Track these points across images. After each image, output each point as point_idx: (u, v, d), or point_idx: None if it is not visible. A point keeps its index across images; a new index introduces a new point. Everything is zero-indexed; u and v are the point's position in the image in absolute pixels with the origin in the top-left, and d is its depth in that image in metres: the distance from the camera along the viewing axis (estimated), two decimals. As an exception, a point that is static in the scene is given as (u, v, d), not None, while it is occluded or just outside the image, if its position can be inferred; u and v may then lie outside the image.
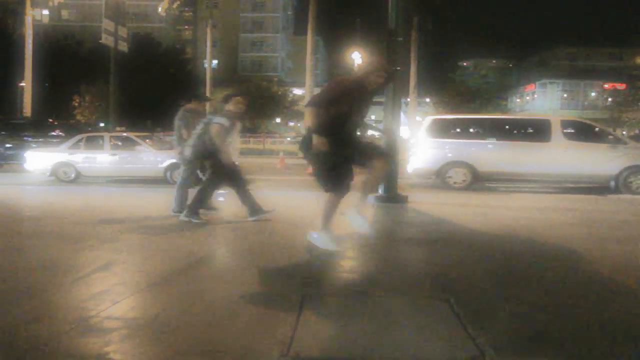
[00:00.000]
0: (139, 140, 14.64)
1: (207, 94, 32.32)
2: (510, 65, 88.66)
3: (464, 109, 60.65)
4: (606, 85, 72.06)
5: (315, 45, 30.71)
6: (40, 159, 14.57)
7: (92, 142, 14.69)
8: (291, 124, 63.40)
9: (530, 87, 79.41)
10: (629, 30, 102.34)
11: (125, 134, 15.65)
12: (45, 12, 33.38)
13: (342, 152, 4.99)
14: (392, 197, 9.55)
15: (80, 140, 14.56)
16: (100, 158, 14.31)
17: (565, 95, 75.88)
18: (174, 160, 12.84)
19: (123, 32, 23.75)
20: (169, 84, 44.13)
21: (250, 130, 56.70)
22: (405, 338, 3.09)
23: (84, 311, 3.44)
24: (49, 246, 5.54)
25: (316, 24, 29.55)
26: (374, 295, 3.95)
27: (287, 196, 10.69)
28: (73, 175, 14.06)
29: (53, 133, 17.65)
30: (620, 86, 68.80)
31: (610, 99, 67.87)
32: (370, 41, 35.47)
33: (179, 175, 8.34)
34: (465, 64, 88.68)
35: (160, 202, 8.79)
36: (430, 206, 9.23)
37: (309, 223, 7.18)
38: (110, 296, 3.77)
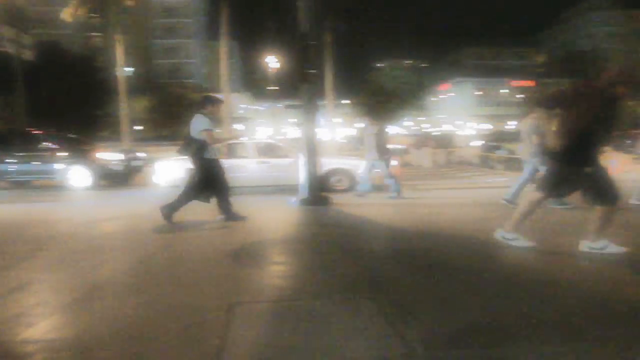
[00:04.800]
0: (284, 147, 13.83)
1: (122, 102, 31.40)
2: (424, 65, 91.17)
3: (381, 109, 61.90)
4: (515, 83, 75.40)
5: (230, 50, 30.42)
6: (171, 170, 13.48)
7: (234, 150, 13.50)
8: (210, 130, 62.49)
9: (444, 86, 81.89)
10: (531, 30, 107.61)
11: (269, 141, 14.48)
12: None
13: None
14: (316, 199, 9.63)
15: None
16: (246, 166, 13.16)
17: (478, 92, 78.73)
18: (333, 167, 12.76)
19: (26, 39, 22.80)
20: (80, 93, 42.54)
21: (169, 138, 55.56)
22: (335, 340, 3.10)
23: (-2, 336, 3.27)
24: None
25: (230, 28, 29.30)
26: (303, 299, 3.95)
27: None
28: None
29: (43, 144, 16.09)
30: (529, 83, 72.22)
31: (520, 96, 71.04)
32: (285, 44, 35.54)
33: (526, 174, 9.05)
34: (380, 65, 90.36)
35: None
36: (352, 207, 9.35)
37: (237, 228, 7.14)
38: (28, 318, 3.59)
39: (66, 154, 15.68)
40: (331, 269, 4.89)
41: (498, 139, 25.70)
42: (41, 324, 3.48)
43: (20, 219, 9.00)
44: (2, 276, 4.78)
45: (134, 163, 17.04)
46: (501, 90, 77.41)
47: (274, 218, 8.36)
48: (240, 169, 12.96)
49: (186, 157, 7.95)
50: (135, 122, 43.21)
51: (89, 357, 2.94)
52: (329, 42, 32.12)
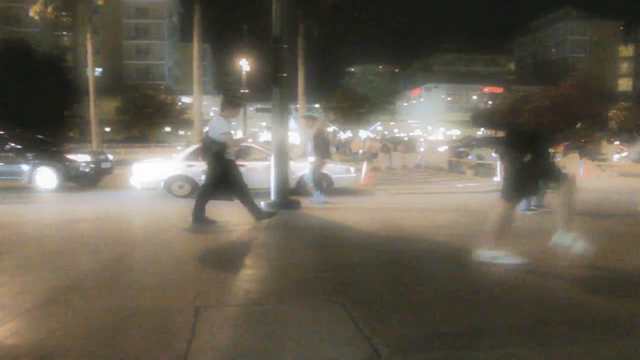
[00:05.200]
0: (262, 150, 13.58)
1: (91, 103, 30.97)
2: (397, 70, 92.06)
3: (352, 113, 62.26)
4: (485, 89, 76.60)
5: (202, 53, 30.27)
6: (149, 172, 13.25)
7: None
8: (181, 132, 62.17)
9: (416, 92, 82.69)
10: (502, 38, 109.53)
11: (247, 144, 14.17)
12: None
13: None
14: (285, 203, 9.61)
15: (196, 151, 12.81)
16: None
17: (449, 98, 79.66)
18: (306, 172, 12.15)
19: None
20: (48, 93, 41.86)
21: (139, 139, 55.00)
22: (301, 343, 3.11)
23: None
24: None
25: (202, 30, 29.17)
26: (270, 303, 3.95)
27: (181, 204, 10.48)
28: (189, 189, 12.50)
29: (8, 145, 15.55)
30: (498, 90, 73.44)
31: (490, 102, 72.10)
32: (258, 48, 35.51)
33: None
34: (352, 69, 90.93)
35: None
36: (321, 211, 9.36)
37: (205, 231, 7.10)
38: (-13, 323, 3.52)
39: (32, 154, 15.36)
40: (298, 272, 4.89)
41: (467, 145, 26.02)
42: (2, 329, 3.40)
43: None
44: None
45: (103, 165, 16.80)
46: (473, 97, 78.44)
47: (242, 222, 8.33)
48: None
49: (205, 158, 8.18)
50: (104, 123, 42.74)
51: (51, 362, 2.88)
52: (301, 46, 32.21)
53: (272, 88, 9.82)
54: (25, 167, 15.06)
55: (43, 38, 62.53)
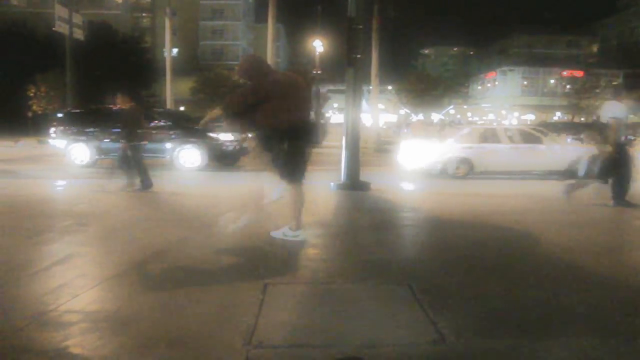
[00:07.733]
0: (539, 135, 13.83)
1: (168, 82, 31.80)
2: (471, 53, 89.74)
3: (426, 96, 61.36)
4: (564, 73, 73.47)
5: (276, 33, 30.45)
6: (422, 153, 13.41)
7: (488, 135, 13.61)
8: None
9: (491, 75, 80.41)
10: (585, 18, 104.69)
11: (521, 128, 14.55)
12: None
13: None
14: (355, 184, 9.59)
15: (470, 133, 13.59)
16: (501, 152, 12.91)
17: (525, 82, 76.92)
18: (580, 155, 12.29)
19: (78, 19, 23.17)
20: (128, 73, 43.28)
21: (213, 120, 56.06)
22: (367, 324, 3.12)
23: (42, 305, 3.38)
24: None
25: (277, 11, 29.30)
26: (337, 282, 3.97)
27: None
28: (466, 170, 12.78)
29: (155, 122, 14.95)
30: (578, 73, 70.25)
31: (568, 86, 69.14)
32: (332, 29, 35.40)
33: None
34: (426, 51, 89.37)
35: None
36: (392, 193, 9.30)
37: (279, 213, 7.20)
38: (70, 289, 3.70)
39: (178, 132, 15.06)
40: (366, 253, 4.90)
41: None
42: (84, 295, 3.59)
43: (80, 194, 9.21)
44: (47, 249, 4.94)
45: (244, 144, 16.55)
46: (550, 81, 75.42)
47: (312, 201, 8.36)
48: None
49: (594, 141, 8.32)
50: (179, 102, 43.84)
51: (127, 329, 3.02)
52: (375, 27, 31.85)
53: (346, 69, 9.76)
54: (170, 145, 14.78)
55: (124, 20, 64.63)
